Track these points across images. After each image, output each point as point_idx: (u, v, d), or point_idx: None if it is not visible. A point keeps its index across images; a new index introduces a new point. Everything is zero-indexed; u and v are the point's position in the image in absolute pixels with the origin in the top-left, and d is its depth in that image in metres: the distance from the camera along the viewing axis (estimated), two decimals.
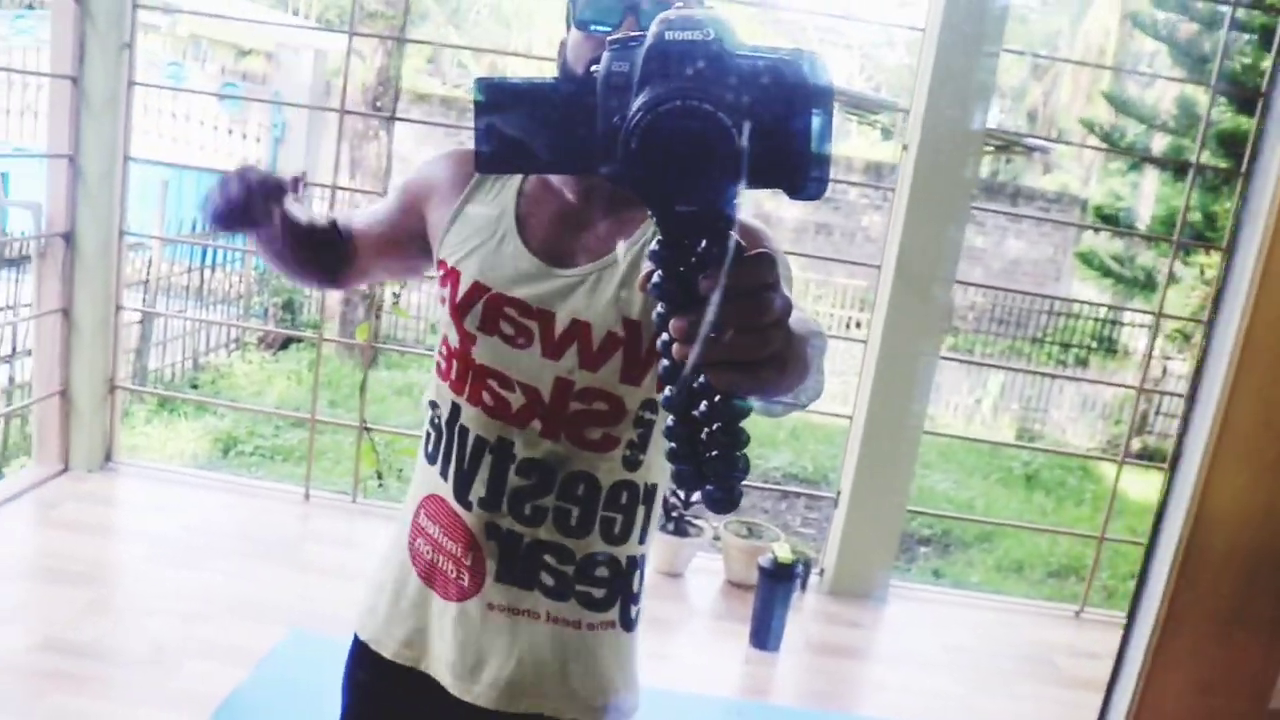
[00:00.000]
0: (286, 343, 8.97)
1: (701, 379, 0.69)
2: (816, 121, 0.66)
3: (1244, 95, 7.57)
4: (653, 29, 0.66)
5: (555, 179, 1.30)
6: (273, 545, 3.75)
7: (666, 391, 0.71)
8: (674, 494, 3.88)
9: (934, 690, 3.33)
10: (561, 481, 1.27)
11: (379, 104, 8.71)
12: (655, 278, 0.67)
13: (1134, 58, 19.91)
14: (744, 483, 0.72)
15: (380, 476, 4.55)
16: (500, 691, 1.30)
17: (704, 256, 0.66)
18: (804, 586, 3.75)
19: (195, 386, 7.73)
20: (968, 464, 8.74)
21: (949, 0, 3.40)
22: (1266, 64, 8.21)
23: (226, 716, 2.66)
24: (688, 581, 3.85)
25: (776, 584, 3.33)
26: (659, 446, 1.28)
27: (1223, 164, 7.87)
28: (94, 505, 3.86)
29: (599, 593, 1.30)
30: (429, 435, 1.35)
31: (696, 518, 3.91)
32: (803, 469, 7.92)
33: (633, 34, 0.69)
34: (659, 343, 0.69)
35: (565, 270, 1.26)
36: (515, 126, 0.76)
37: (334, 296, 9.17)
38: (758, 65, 0.65)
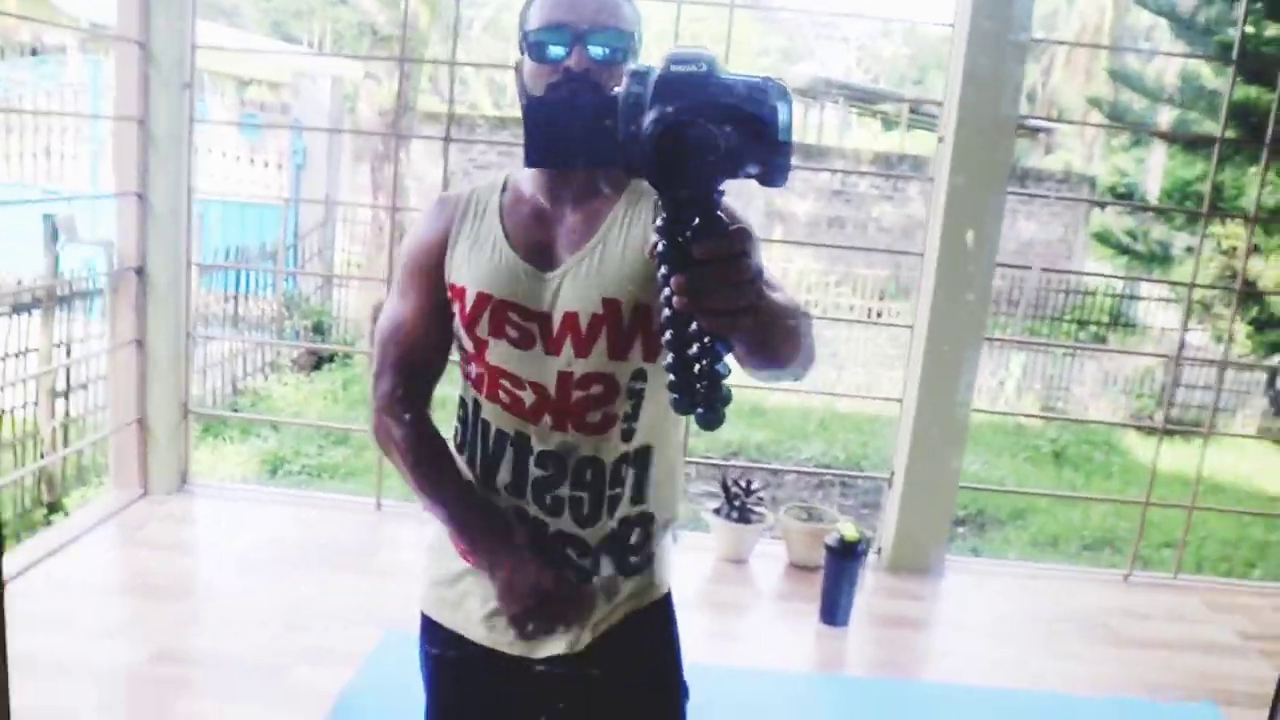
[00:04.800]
0: (319, 363, 9.15)
1: (694, 326, 0.94)
2: (781, 122, 0.91)
3: (1252, 66, 7.67)
4: (661, 63, 0.93)
5: (527, 190, 1.45)
6: (353, 554, 3.91)
7: (668, 335, 0.96)
8: (735, 483, 4.04)
9: (995, 656, 3.48)
10: (573, 469, 1.43)
11: (397, 126, 8.89)
12: (660, 246, 0.92)
13: (1130, 33, 20.05)
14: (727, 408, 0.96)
15: None
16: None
17: (697, 230, 0.91)
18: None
19: (236, 410, 7.91)
20: (995, 444, 8.87)
21: None
22: (1272, 32, 8.37)
23: (344, 713, 2.82)
24: (752, 567, 4.00)
25: (843, 561, 3.48)
26: (649, 411, 1.44)
27: (1233, 135, 7.97)
28: (177, 525, 4.02)
29: (609, 557, 1.48)
30: (457, 429, 1.51)
31: (758, 504, 4.07)
32: (835, 458, 8.06)
33: (641, 67, 0.95)
34: (662, 297, 0.94)
35: (551, 272, 1.41)
36: (555, 134, 1.07)
37: (364, 315, 9.38)
38: (737, 87, 0.91)
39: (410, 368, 1.50)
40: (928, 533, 3.99)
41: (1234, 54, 3.93)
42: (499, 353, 1.42)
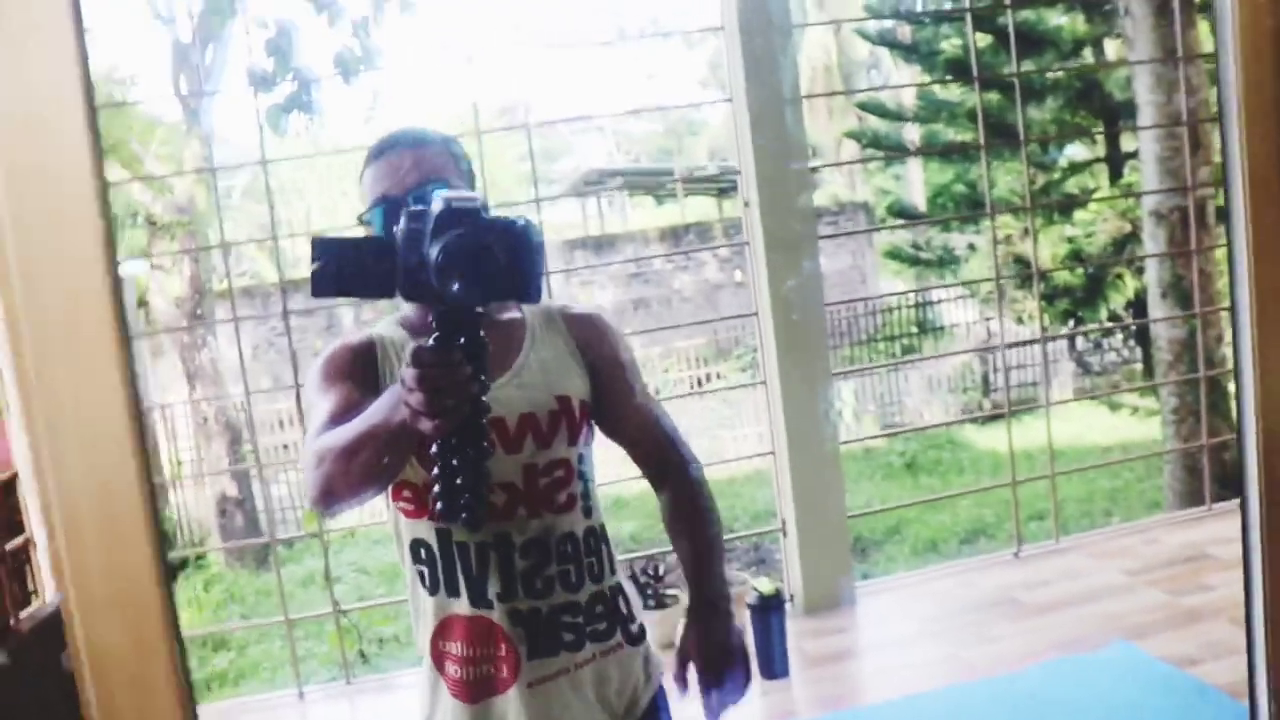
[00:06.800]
0: (171, 574, 8.80)
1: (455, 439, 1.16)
2: (534, 255, 1.16)
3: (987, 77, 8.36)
4: (439, 201, 1.14)
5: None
6: None
7: (434, 448, 1.16)
8: (643, 572, 4.13)
9: (930, 659, 3.66)
10: (555, 548, 1.56)
11: (199, 312, 8.75)
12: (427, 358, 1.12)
13: (858, 65, 21.40)
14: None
15: (364, 654, 4.65)
16: None
17: (465, 347, 1.12)
18: None
19: None
20: (852, 472, 9.20)
21: (746, 65, 3.84)
22: (983, 43, 9.17)
23: None
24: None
25: (768, 615, 3.61)
26: (595, 493, 1.65)
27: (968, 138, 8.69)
28: None
29: (602, 625, 1.60)
30: (422, 575, 1.58)
31: (670, 588, 4.16)
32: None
33: (416, 207, 1.15)
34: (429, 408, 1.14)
35: (492, 381, 1.43)
36: (339, 267, 1.19)
37: (210, 511, 9.09)
38: (501, 219, 1.15)
39: None
40: (831, 568, 4.17)
41: (975, 76, 4.34)
42: None
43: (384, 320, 1.65)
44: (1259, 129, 0.81)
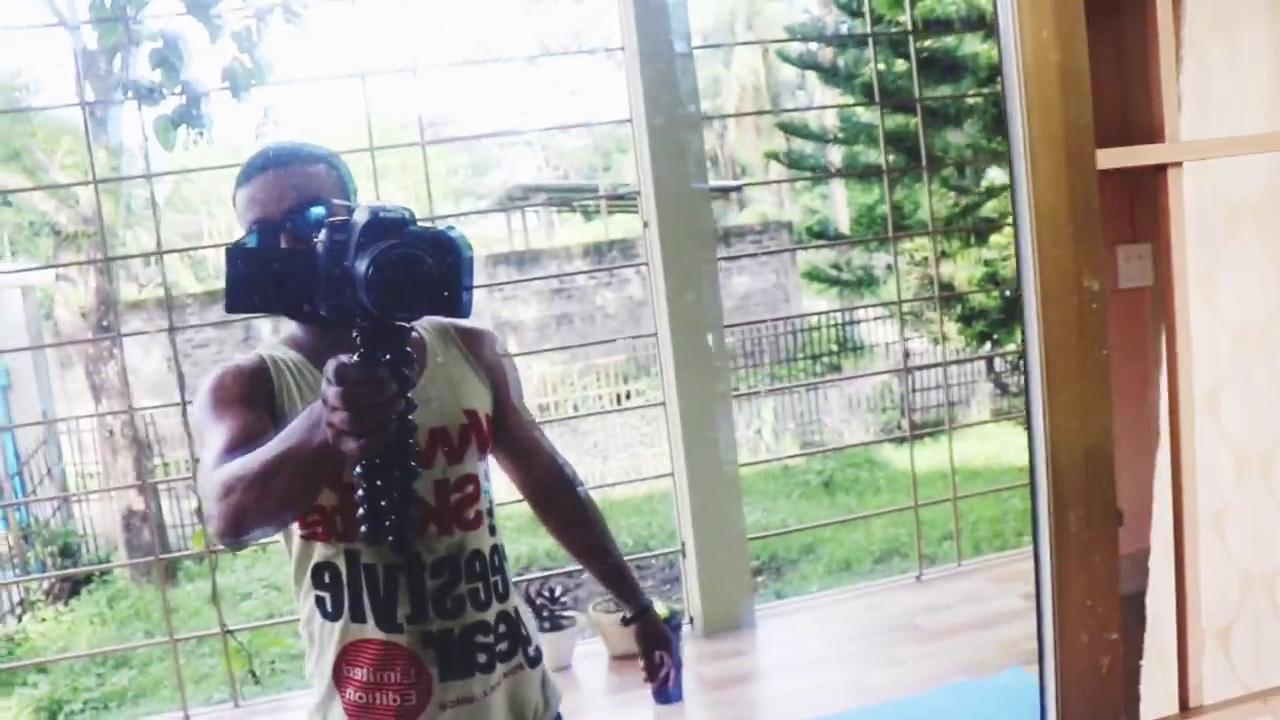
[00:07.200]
0: (75, 588, 8.57)
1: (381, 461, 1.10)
2: (465, 269, 1.11)
3: (894, 100, 8.47)
4: (365, 211, 1.09)
5: (325, 345, 1.40)
6: None
7: (359, 470, 1.10)
8: (539, 594, 4.08)
9: (829, 683, 3.65)
10: (465, 565, 1.52)
11: (105, 324, 8.53)
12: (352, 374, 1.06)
13: (786, 87, 21.56)
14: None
15: (255, 674, 4.53)
16: None
17: (390, 363, 1.06)
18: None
19: None
20: (769, 491, 9.22)
21: (645, 86, 3.82)
22: (900, 68, 9.28)
23: None
24: (575, 671, 4.04)
25: None
26: (493, 510, 1.61)
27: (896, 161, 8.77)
28: None
29: (505, 646, 1.56)
30: (321, 600, 1.51)
31: (565, 608, 4.11)
32: (623, 545, 8.13)
33: (338, 219, 1.10)
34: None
35: None
36: (256, 279, 1.15)
37: (116, 525, 8.85)
38: (427, 232, 1.10)
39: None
40: (731, 590, 4.14)
41: (876, 97, 4.36)
42: None
43: (266, 341, 1.60)
44: (1045, 168, 0.79)
